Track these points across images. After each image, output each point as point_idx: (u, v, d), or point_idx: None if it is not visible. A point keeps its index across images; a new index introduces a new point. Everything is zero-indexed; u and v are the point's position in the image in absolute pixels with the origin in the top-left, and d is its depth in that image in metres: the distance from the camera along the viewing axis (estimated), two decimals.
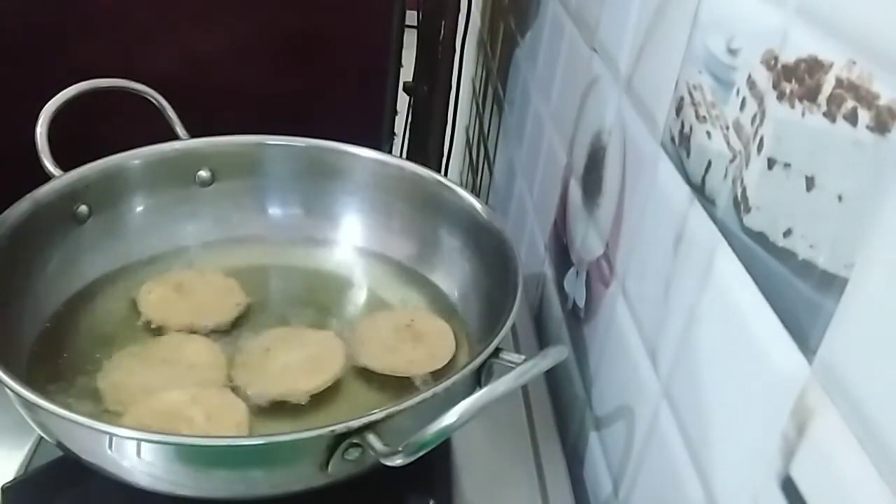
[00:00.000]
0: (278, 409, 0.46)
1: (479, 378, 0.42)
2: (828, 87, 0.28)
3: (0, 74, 0.71)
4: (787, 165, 0.30)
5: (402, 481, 0.45)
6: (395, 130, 0.92)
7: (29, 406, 0.38)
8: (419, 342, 0.51)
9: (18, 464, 0.45)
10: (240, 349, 0.50)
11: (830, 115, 0.27)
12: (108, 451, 0.37)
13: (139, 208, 0.58)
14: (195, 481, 0.38)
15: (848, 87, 0.26)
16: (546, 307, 0.67)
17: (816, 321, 0.27)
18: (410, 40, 0.90)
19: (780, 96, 0.31)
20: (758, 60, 0.33)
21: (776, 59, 0.32)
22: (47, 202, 0.52)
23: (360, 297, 0.58)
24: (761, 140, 0.32)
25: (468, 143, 1.37)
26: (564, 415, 0.57)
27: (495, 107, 1.07)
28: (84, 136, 0.58)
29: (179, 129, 0.60)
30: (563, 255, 0.63)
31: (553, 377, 0.59)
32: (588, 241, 0.56)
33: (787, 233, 0.30)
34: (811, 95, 0.29)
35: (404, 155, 1.11)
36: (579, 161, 0.60)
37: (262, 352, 0.50)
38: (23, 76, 0.71)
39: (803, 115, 0.29)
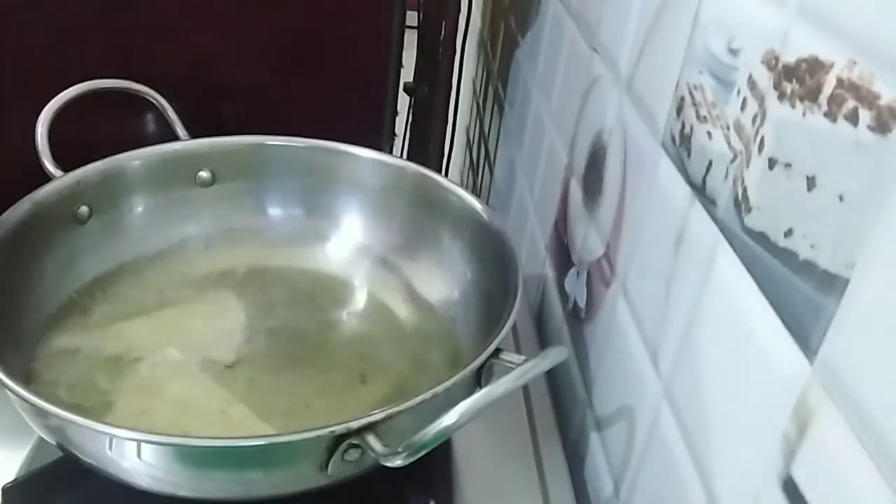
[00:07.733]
0: (277, 408, 0.46)
1: (480, 378, 0.42)
2: (828, 87, 0.28)
3: (0, 75, 0.71)
4: (787, 165, 0.30)
5: (402, 482, 0.45)
6: (396, 131, 0.92)
7: (29, 407, 0.38)
8: None
9: (19, 464, 0.45)
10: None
11: (831, 115, 0.27)
12: (108, 452, 0.37)
13: (140, 209, 0.58)
14: (195, 482, 0.38)
15: (849, 87, 0.26)
16: (547, 307, 0.67)
17: (817, 321, 0.27)
18: (411, 41, 0.90)
19: (781, 96, 0.31)
20: (758, 60, 0.33)
21: (777, 59, 0.32)
22: (48, 203, 0.51)
23: (360, 297, 0.58)
24: (762, 140, 0.32)
25: (469, 144, 1.37)
26: (565, 415, 0.57)
27: (496, 107, 1.07)
28: (84, 136, 0.58)
29: (179, 130, 0.60)
30: (563, 255, 0.63)
31: (554, 377, 0.59)
32: (589, 241, 0.56)
33: (788, 233, 0.29)
34: (812, 95, 0.29)
35: (405, 155, 1.11)
36: (580, 161, 0.60)
37: None
38: (23, 77, 0.71)
39: (804, 115, 0.29)
